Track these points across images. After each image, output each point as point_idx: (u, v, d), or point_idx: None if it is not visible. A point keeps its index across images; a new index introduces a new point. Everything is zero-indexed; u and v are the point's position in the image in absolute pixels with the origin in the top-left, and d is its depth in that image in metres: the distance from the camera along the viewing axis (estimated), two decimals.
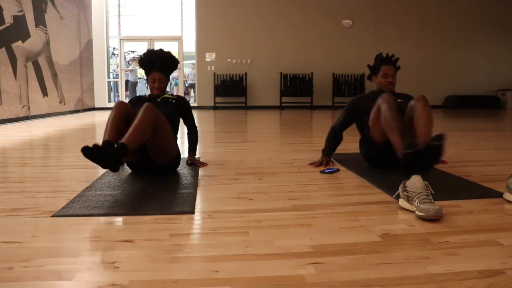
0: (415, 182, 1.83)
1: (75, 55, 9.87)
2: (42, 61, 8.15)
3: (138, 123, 2.26)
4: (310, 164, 2.97)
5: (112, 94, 12.25)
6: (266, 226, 1.67)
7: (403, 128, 2.38)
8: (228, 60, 11.32)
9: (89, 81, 10.84)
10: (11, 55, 6.98)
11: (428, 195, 1.78)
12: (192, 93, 13.38)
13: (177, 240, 1.53)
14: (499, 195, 2.07)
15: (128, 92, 12.29)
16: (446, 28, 11.61)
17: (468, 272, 1.23)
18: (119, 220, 1.78)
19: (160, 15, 11.55)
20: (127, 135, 2.20)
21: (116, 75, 12.40)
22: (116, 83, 12.29)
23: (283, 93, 11.18)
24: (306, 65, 11.29)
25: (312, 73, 11.16)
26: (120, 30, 11.44)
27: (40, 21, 8.08)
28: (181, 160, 2.83)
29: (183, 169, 2.78)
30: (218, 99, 11.25)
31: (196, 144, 3.06)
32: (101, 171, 2.76)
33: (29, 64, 7.64)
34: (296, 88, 11.17)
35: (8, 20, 6.91)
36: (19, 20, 7.30)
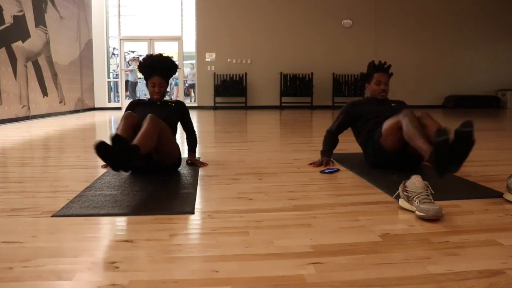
0: (415, 182, 1.83)
1: (75, 55, 9.87)
2: (42, 61, 8.15)
3: (144, 132, 2.32)
4: (310, 164, 2.97)
5: (112, 94, 12.25)
6: (266, 226, 1.67)
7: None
8: (228, 60, 11.32)
9: (89, 81, 10.84)
10: (11, 55, 6.98)
11: (428, 195, 1.78)
12: (192, 94, 13.38)
13: (177, 240, 1.53)
14: (499, 195, 2.07)
15: (128, 92, 12.29)
16: (446, 28, 11.61)
17: (468, 272, 1.23)
18: (119, 220, 1.78)
19: (160, 15, 11.55)
20: (137, 138, 2.27)
21: (116, 75, 12.40)
22: (116, 83, 12.29)
23: (283, 93, 11.18)
24: (306, 65, 11.30)
25: (312, 73, 11.16)
26: (120, 30, 11.44)
27: (40, 21, 8.08)
28: (181, 160, 2.83)
29: (183, 169, 2.78)
30: (218, 99, 11.25)
31: (195, 146, 3.08)
32: (101, 171, 2.76)
33: (29, 64, 7.64)
34: (296, 88, 11.17)
35: (8, 20, 6.91)
36: (19, 20, 7.30)
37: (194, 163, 2.94)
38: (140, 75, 12.61)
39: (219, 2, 11.21)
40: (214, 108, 11.22)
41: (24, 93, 7.42)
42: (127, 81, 12.25)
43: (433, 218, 1.69)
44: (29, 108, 7.61)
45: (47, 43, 8.42)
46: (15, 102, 7.11)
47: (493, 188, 2.22)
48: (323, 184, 2.41)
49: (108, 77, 11.76)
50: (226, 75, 11.16)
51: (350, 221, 1.74)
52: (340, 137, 3.10)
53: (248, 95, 11.24)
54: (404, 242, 1.49)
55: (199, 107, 11.35)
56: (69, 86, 9.51)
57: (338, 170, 2.78)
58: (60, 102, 9.02)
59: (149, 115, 2.45)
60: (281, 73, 11.25)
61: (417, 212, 1.75)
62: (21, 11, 7.35)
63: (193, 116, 8.43)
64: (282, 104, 11.24)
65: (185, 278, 1.22)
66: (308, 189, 2.29)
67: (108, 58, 11.87)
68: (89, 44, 10.81)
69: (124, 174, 2.60)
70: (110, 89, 11.98)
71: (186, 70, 13.02)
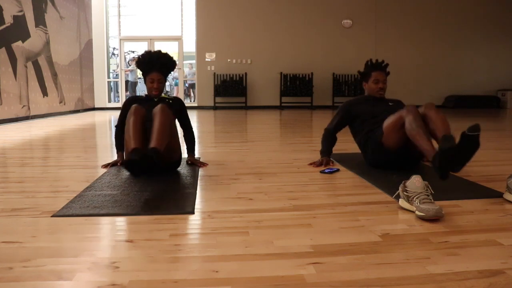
0: (415, 182, 1.83)
1: (75, 55, 9.87)
2: (42, 61, 8.15)
3: (161, 126, 2.36)
4: (310, 164, 2.97)
5: (112, 94, 12.25)
6: (266, 226, 1.67)
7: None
8: (228, 60, 11.32)
9: (89, 81, 10.84)
10: (11, 55, 6.98)
11: (428, 195, 1.78)
12: (192, 94, 13.37)
13: (177, 240, 1.53)
14: (499, 195, 2.07)
15: (128, 92, 12.28)
16: (446, 28, 11.61)
17: (468, 272, 1.24)
18: (119, 220, 1.78)
19: (160, 15, 11.55)
20: (154, 139, 2.32)
21: (116, 75, 12.40)
22: (116, 83, 12.29)
23: (283, 93, 11.19)
24: (306, 65, 11.30)
25: (312, 73, 11.16)
26: (120, 30, 11.44)
27: (40, 21, 8.08)
28: (181, 160, 2.83)
29: (183, 169, 2.78)
30: (218, 99, 11.25)
31: (194, 145, 3.06)
32: (101, 171, 2.76)
33: (29, 64, 7.64)
34: (296, 88, 11.17)
35: (8, 20, 6.91)
36: (19, 20, 7.30)
37: (194, 163, 2.93)
38: (140, 75, 12.64)
39: (219, 2, 11.21)
40: (214, 108, 11.22)
41: (24, 93, 7.42)
42: (127, 81, 12.25)
43: (433, 218, 1.69)
44: (29, 108, 7.61)
45: (47, 43, 8.42)
46: (15, 102, 7.11)
47: (493, 188, 2.22)
48: (323, 184, 2.41)
49: (108, 77, 11.76)
50: (226, 75, 11.16)
51: (350, 221, 1.74)
52: (340, 137, 3.11)
53: (248, 95, 11.24)
54: (404, 242, 1.49)
55: (199, 107, 11.35)
56: (69, 86, 9.51)
57: (338, 170, 2.78)
58: (60, 102, 9.02)
59: (160, 105, 2.49)
60: (281, 73, 11.25)
61: (417, 212, 1.75)
62: (21, 11, 7.35)
63: (193, 116, 8.43)
64: (282, 104, 11.24)
65: (185, 278, 1.22)
66: (308, 189, 2.29)
67: (108, 58, 11.87)
68: (89, 44, 10.81)
69: (124, 174, 2.60)
70: (110, 89, 11.98)
71: (186, 70, 13.03)
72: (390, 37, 11.47)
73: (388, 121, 2.63)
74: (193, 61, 11.98)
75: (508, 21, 11.73)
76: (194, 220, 1.77)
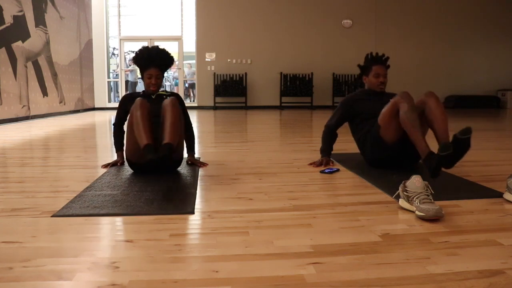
0: (415, 182, 1.83)
1: (75, 55, 9.87)
2: (42, 61, 8.15)
3: (174, 120, 2.37)
4: (310, 164, 2.97)
5: (112, 94, 12.25)
6: (266, 226, 1.67)
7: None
8: (228, 60, 11.32)
9: (89, 81, 10.84)
10: (11, 55, 6.98)
11: (428, 195, 1.78)
12: (191, 94, 13.37)
13: (177, 240, 1.53)
14: (499, 195, 2.07)
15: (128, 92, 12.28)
16: (446, 28, 11.61)
17: (468, 272, 1.24)
18: (119, 220, 1.78)
19: (160, 15, 11.55)
20: (168, 134, 2.34)
21: (116, 75, 12.40)
22: (116, 83, 12.29)
23: (283, 93, 11.18)
24: (306, 65, 11.30)
25: (312, 73, 11.16)
26: (120, 30, 11.44)
27: (40, 21, 8.08)
28: (181, 160, 2.83)
29: (183, 169, 2.78)
30: (218, 99, 11.25)
31: (194, 143, 3.04)
32: (101, 171, 2.76)
33: (29, 64, 7.64)
34: (296, 88, 11.17)
35: (8, 20, 6.91)
36: (19, 20, 7.30)
37: (194, 163, 2.93)
38: (140, 74, 12.61)
39: (219, 2, 11.21)
40: (214, 108, 11.22)
41: (24, 93, 7.42)
42: (127, 81, 12.25)
43: (433, 218, 1.69)
44: (29, 108, 7.61)
45: (47, 43, 8.42)
46: (15, 102, 7.11)
47: (493, 188, 2.22)
48: (323, 184, 2.41)
49: (108, 77, 11.76)
50: (226, 75, 11.16)
51: (350, 221, 1.74)
52: (340, 137, 3.10)
53: (248, 95, 11.24)
54: (404, 242, 1.49)
55: (199, 107, 11.35)
56: (69, 86, 9.51)
57: (338, 170, 2.78)
58: (60, 102, 9.02)
59: (170, 99, 2.49)
60: (281, 73, 11.25)
61: (417, 212, 1.75)
62: (21, 11, 7.35)
63: (193, 116, 8.43)
64: (282, 104, 11.24)
65: (185, 278, 1.22)
66: (308, 189, 2.29)
67: (108, 58, 11.87)
68: (89, 44, 10.81)
69: (124, 174, 2.60)
70: (110, 89, 11.97)
71: (185, 70, 13.02)
72: (390, 37, 11.47)
73: (382, 112, 2.60)
74: (193, 61, 11.97)
75: (508, 21, 11.73)
76: (194, 220, 1.77)
